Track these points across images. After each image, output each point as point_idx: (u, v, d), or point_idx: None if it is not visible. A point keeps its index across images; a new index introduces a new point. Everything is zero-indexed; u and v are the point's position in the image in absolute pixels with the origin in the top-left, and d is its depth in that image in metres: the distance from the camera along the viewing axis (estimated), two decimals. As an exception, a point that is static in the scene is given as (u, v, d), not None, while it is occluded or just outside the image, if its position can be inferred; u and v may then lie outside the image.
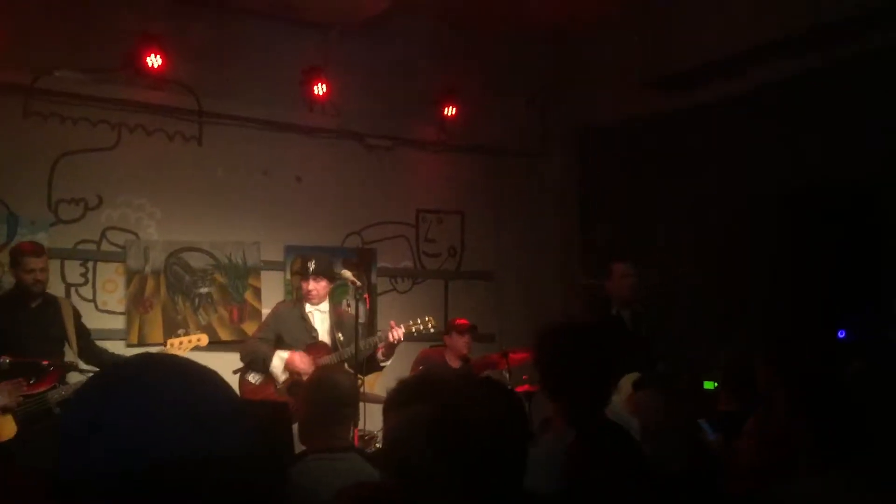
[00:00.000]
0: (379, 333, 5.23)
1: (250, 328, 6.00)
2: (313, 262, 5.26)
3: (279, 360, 5.10)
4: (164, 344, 5.26)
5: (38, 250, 4.96)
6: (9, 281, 5.18)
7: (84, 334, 5.19)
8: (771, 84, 5.82)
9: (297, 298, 5.49)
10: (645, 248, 6.30)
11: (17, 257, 4.91)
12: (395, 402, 2.17)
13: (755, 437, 2.97)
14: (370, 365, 5.16)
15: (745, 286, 5.92)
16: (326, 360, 5.06)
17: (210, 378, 1.08)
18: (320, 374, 3.41)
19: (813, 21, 5.27)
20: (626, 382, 4.56)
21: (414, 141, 7.16)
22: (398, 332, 5.08)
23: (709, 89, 6.29)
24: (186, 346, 5.17)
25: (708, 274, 6.15)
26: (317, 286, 5.20)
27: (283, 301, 5.87)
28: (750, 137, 5.91)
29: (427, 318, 5.25)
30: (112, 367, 1.12)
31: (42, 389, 4.61)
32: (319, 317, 5.31)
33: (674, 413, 4.19)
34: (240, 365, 5.22)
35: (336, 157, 6.80)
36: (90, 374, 4.76)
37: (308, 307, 5.29)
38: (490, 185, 7.48)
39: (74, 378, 4.86)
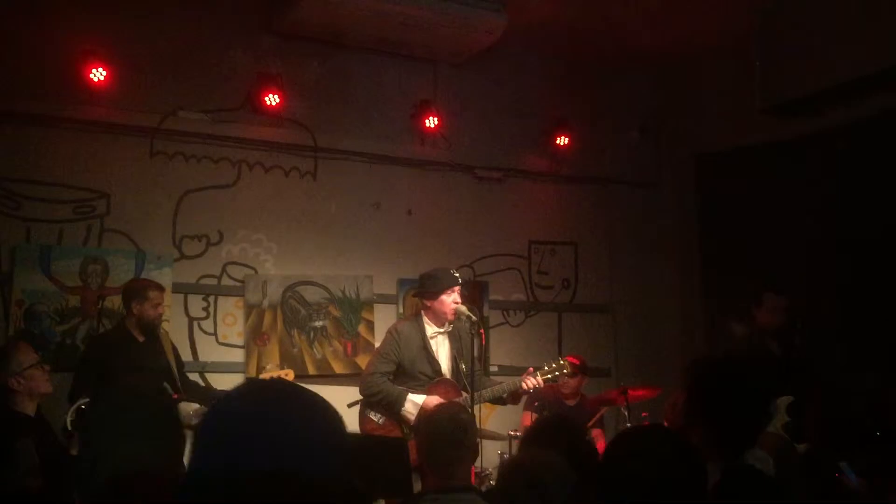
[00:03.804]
0: (515, 382, 4.81)
1: (363, 362, 5.94)
2: (455, 270, 4.87)
3: (412, 405, 4.61)
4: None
5: (160, 285, 5.13)
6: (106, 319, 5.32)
7: (181, 367, 5.19)
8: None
9: (416, 321, 4.91)
10: (771, 276, 6.03)
11: (144, 292, 4.97)
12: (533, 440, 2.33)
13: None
14: (495, 401, 4.98)
15: (876, 318, 5.58)
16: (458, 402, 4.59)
17: (312, 403, 1.12)
18: (439, 412, 3.35)
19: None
20: (782, 405, 4.41)
21: (525, 172, 7.07)
22: (534, 382, 4.74)
23: (829, 115, 6.04)
24: None
25: (836, 302, 5.88)
26: (459, 297, 4.78)
27: (401, 320, 5.44)
28: (874, 164, 5.62)
29: (562, 363, 4.88)
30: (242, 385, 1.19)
31: None
32: (441, 342, 4.87)
33: (807, 454, 3.94)
34: (353, 398, 5.09)
35: (447, 189, 6.78)
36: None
37: (430, 331, 4.83)
38: (604, 216, 7.30)
39: (183, 410, 4.80)
